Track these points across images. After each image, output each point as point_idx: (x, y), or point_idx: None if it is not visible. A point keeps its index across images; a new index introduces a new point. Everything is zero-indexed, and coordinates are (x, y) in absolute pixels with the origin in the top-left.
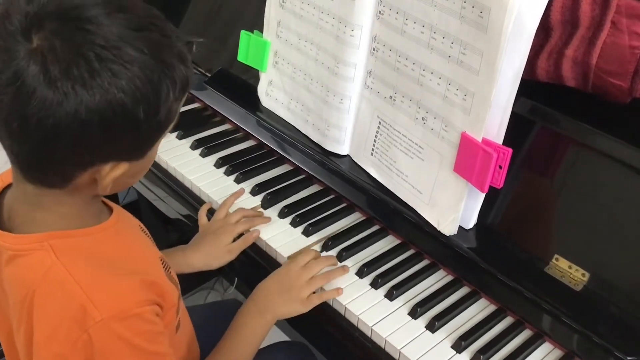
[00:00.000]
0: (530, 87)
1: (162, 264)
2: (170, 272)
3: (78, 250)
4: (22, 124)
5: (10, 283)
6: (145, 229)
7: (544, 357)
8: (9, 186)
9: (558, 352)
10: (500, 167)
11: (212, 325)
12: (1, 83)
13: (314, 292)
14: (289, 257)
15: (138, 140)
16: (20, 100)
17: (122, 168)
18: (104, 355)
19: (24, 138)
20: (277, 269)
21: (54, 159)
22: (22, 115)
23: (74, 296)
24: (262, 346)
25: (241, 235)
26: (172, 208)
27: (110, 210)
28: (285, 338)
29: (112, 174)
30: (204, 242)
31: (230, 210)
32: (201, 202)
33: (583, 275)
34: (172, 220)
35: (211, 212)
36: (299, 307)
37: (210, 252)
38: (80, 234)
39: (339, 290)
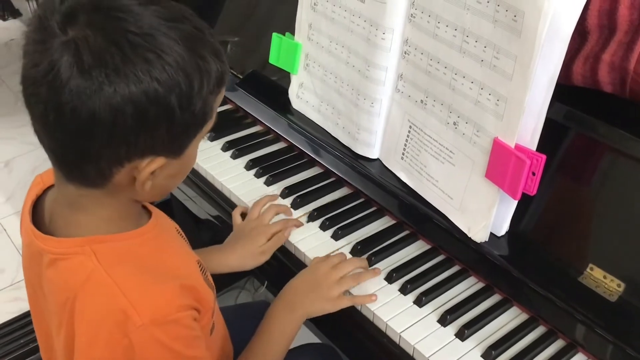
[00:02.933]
0: (565, 92)
1: (200, 267)
2: (207, 276)
3: (119, 254)
4: (58, 115)
5: (51, 286)
6: (181, 232)
7: None
8: (50, 187)
9: None
10: (534, 174)
11: (241, 327)
12: (38, 76)
13: (344, 294)
14: (313, 260)
15: (173, 132)
16: (55, 91)
17: (158, 162)
18: (144, 359)
19: (61, 130)
20: (307, 267)
21: (90, 153)
22: (57, 106)
23: (116, 301)
24: (291, 347)
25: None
26: (202, 209)
27: (149, 213)
28: (314, 340)
29: (149, 167)
30: (239, 243)
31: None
32: (231, 203)
33: (618, 285)
34: (202, 220)
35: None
36: (328, 306)
37: (245, 254)
38: (121, 239)
39: (372, 297)
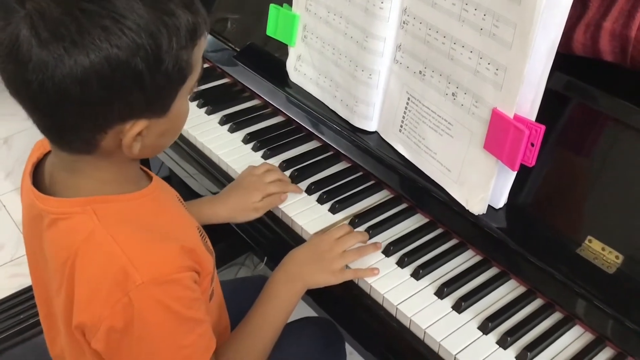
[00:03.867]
0: (566, 61)
1: (199, 233)
2: (206, 241)
3: (119, 214)
4: (28, 90)
5: (52, 246)
6: (182, 199)
7: (574, 340)
8: (50, 152)
9: (589, 336)
10: (533, 145)
11: (238, 300)
12: (3, 53)
13: (346, 267)
14: (314, 234)
15: (148, 94)
16: (20, 67)
17: (141, 124)
18: (143, 318)
19: (35, 105)
20: (309, 239)
21: (68, 124)
22: (25, 81)
23: (116, 259)
24: (289, 320)
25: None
26: (202, 185)
27: (150, 178)
28: (312, 314)
29: (132, 131)
30: (234, 194)
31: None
32: (229, 177)
33: (617, 257)
34: (201, 197)
35: None
36: (330, 278)
37: (237, 207)
38: (122, 199)
39: (374, 271)
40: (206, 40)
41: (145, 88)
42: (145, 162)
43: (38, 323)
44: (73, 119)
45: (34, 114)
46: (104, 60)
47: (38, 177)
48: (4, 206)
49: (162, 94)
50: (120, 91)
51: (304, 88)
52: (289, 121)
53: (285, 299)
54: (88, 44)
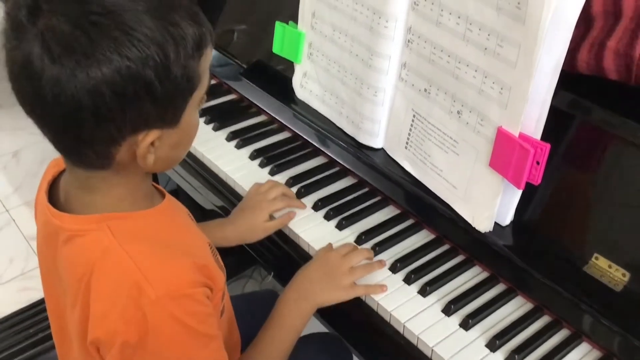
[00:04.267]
0: (570, 80)
1: (211, 249)
2: (217, 258)
3: (134, 231)
4: (42, 106)
5: (67, 263)
6: (192, 216)
7: (582, 357)
8: (65, 170)
9: (596, 353)
10: (538, 163)
11: (248, 315)
12: (17, 71)
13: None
14: (319, 250)
15: (159, 104)
16: (34, 83)
17: (153, 135)
18: (156, 333)
19: (49, 121)
20: (314, 257)
21: (83, 138)
22: (40, 98)
23: (130, 274)
24: None
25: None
26: (207, 199)
27: (162, 195)
28: (320, 329)
29: (145, 141)
30: (241, 216)
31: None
32: (235, 193)
33: (623, 275)
34: (207, 211)
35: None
36: (342, 294)
37: (245, 228)
38: (136, 216)
39: (383, 287)
40: (212, 52)
41: (156, 98)
42: (154, 178)
43: (48, 338)
44: (88, 133)
45: (49, 132)
46: (115, 71)
47: (53, 194)
48: (13, 220)
49: (172, 103)
50: (133, 101)
51: (310, 105)
52: (295, 137)
53: (295, 317)
54: (99, 56)
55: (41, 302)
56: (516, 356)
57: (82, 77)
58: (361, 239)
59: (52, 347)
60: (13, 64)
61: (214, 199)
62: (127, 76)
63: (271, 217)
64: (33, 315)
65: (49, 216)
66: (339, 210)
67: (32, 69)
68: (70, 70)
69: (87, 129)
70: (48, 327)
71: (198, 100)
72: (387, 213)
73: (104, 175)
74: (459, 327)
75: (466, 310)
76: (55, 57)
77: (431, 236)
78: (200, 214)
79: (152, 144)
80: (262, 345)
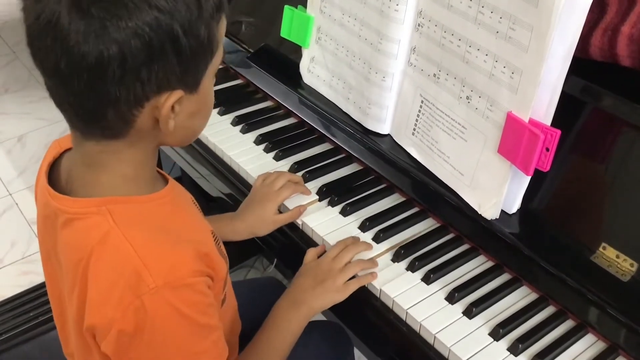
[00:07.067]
0: (582, 65)
1: (213, 237)
2: (220, 246)
3: (135, 216)
4: (68, 61)
5: (66, 246)
6: (197, 203)
7: (587, 348)
8: (66, 151)
9: (602, 344)
10: (548, 150)
11: (249, 301)
12: (41, 27)
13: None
14: (307, 253)
15: (183, 61)
16: (60, 38)
17: (176, 95)
18: (154, 323)
19: (75, 77)
20: (303, 263)
21: (108, 97)
22: (66, 52)
23: (130, 261)
24: None
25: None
26: (214, 186)
27: (166, 180)
28: (321, 318)
29: (169, 101)
30: (250, 210)
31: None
32: (242, 180)
33: (631, 265)
34: (214, 198)
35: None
36: (336, 296)
37: (255, 222)
38: (138, 200)
39: (373, 275)
40: (225, 23)
41: (181, 53)
42: (158, 164)
43: (48, 320)
44: (114, 90)
45: (71, 94)
46: (144, 22)
47: (54, 176)
48: (17, 204)
49: (194, 62)
50: (159, 55)
51: (317, 90)
52: (301, 123)
53: (290, 325)
54: (129, 5)
55: (42, 285)
56: (520, 345)
57: (111, 28)
58: (365, 225)
59: (51, 329)
60: (35, 21)
61: (220, 186)
62: (156, 27)
63: (281, 207)
64: (34, 299)
65: (48, 198)
66: (344, 196)
67: (59, 23)
68: (99, 22)
69: (112, 86)
70: (48, 310)
71: (215, 67)
72: (392, 200)
73: (116, 147)
74: (462, 314)
75: (470, 298)
76: (84, 7)
77: (436, 224)
78: (205, 202)
79: (172, 109)
80: (257, 351)
